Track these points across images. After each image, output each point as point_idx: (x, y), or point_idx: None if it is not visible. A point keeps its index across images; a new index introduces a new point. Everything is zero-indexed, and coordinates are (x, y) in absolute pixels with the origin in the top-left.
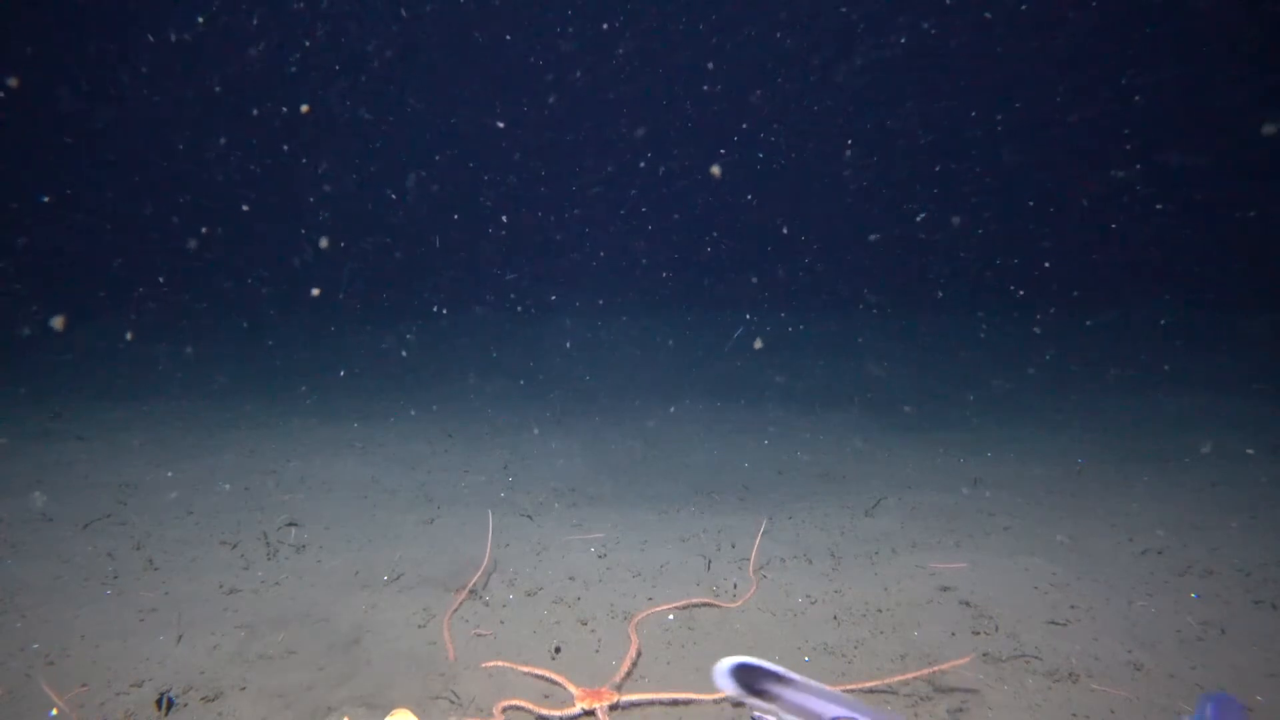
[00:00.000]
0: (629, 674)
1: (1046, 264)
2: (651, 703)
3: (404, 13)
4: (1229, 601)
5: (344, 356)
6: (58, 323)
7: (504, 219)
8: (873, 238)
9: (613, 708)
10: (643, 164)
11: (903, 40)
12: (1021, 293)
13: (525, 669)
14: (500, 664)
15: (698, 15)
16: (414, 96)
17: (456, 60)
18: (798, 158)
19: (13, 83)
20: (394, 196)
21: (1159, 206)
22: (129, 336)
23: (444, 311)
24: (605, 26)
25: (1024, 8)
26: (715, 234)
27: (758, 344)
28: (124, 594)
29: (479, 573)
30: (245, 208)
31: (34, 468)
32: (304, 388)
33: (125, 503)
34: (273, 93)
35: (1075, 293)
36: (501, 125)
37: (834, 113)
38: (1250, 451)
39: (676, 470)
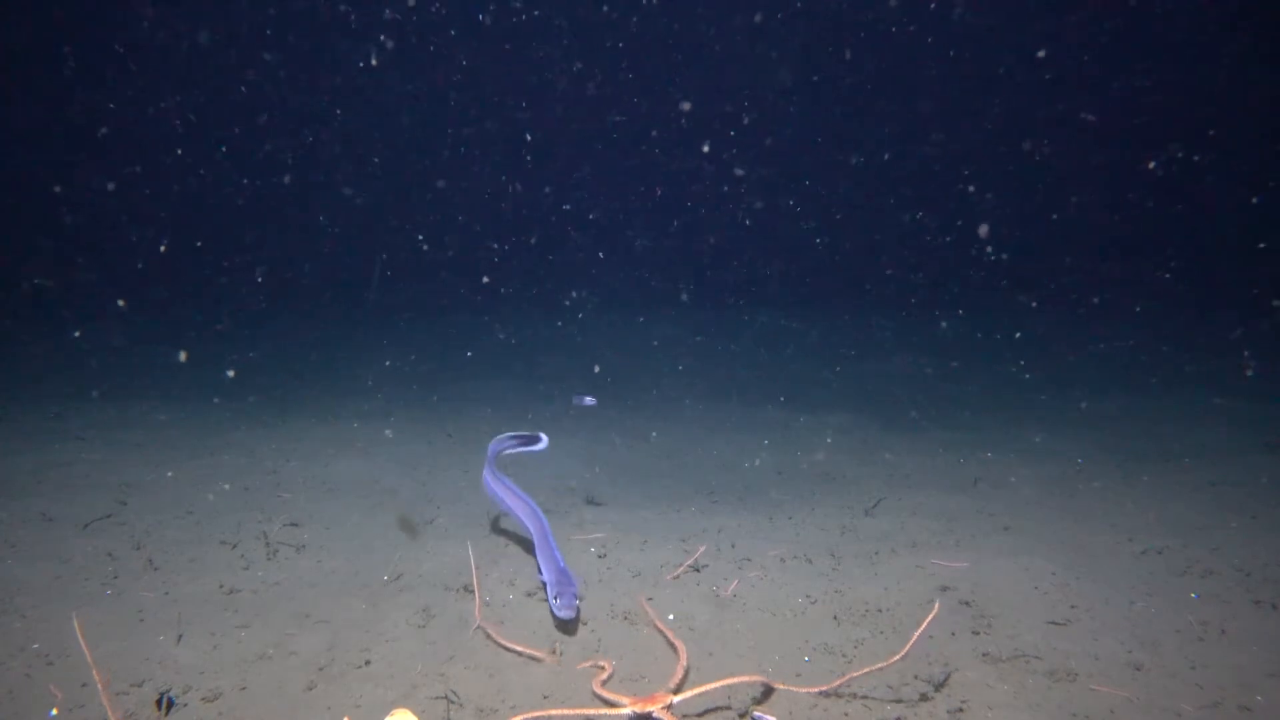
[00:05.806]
0: (683, 681)
1: (1047, 264)
2: (703, 694)
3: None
4: (1229, 601)
5: (345, 356)
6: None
7: (505, 220)
8: (870, 237)
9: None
10: (647, 164)
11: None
12: (1021, 292)
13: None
14: (589, 664)
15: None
16: (433, 99)
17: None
18: (802, 157)
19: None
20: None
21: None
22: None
23: (447, 313)
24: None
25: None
26: (716, 235)
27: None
28: (124, 594)
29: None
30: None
31: (34, 468)
32: (304, 388)
33: (125, 503)
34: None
35: (1075, 293)
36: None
37: (834, 113)
38: (1227, 435)
39: (677, 470)
